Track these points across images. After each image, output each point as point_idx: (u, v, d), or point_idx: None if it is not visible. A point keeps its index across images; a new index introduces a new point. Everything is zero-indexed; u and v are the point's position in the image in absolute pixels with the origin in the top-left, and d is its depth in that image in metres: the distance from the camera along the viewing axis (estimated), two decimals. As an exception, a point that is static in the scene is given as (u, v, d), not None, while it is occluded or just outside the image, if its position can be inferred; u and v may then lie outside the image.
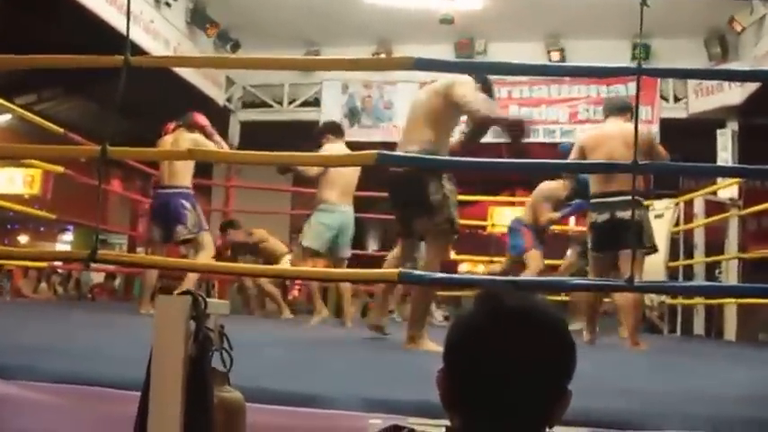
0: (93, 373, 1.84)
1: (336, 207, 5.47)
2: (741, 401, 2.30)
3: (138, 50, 6.05)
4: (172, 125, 5.41)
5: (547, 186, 6.05)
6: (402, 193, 3.47)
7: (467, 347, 0.99)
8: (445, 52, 7.94)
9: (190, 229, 5.27)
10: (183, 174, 5.19)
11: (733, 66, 7.32)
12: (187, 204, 5.27)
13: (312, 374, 2.39)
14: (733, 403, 2.23)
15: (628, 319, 4.65)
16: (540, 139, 8.11)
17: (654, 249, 4.59)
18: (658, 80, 7.92)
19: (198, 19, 7.90)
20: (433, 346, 3.08)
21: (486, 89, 3.59)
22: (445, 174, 3.41)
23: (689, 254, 7.62)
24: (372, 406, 1.74)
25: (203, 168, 7.69)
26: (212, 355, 1.20)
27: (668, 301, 7.34)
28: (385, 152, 2.29)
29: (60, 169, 6.16)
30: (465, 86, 3.40)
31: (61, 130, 5.59)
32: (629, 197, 3.98)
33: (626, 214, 4.21)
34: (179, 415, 1.07)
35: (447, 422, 1.02)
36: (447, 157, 3.09)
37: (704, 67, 6.85)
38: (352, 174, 5.46)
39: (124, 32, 2.58)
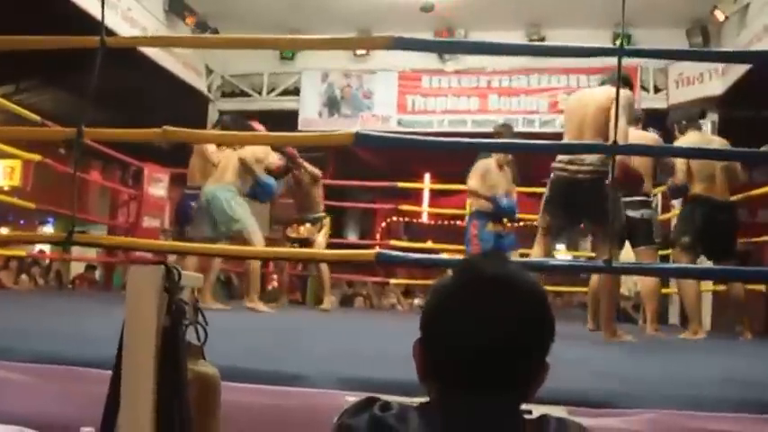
0: (70, 353, 1.84)
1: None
2: (711, 382, 2.33)
3: (115, 37, 5.99)
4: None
5: (481, 164, 5.81)
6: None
7: (444, 316, 0.97)
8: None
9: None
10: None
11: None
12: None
13: (290, 355, 2.39)
14: (707, 385, 2.26)
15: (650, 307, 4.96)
16: (519, 128, 8.12)
17: (664, 245, 4.78)
18: (639, 70, 7.96)
19: (176, 7, 7.82)
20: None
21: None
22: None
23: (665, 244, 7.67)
24: (349, 384, 1.75)
25: (184, 158, 7.62)
26: (186, 328, 1.18)
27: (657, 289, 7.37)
28: (362, 132, 2.29)
29: (38, 157, 6.09)
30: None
31: (38, 118, 5.52)
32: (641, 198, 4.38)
33: (636, 214, 4.47)
34: (151, 386, 1.06)
35: (421, 399, 1.00)
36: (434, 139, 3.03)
37: (683, 49, 6.87)
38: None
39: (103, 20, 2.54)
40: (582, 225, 4.21)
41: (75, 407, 1.49)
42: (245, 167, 5.03)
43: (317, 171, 6.33)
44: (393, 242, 9.19)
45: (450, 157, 7.72)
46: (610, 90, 3.64)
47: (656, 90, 8.26)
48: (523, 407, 0.99)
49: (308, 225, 6.32)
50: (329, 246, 6.34)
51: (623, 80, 3.89)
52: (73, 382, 1.66)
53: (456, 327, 0.95)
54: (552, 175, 3.98)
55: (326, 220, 6.42)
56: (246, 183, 5.16)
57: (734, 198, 6.18)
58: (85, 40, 2.45)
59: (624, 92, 3.60)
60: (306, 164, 6.17)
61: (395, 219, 12.57)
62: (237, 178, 5.07)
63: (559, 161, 3.90)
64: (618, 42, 6.04)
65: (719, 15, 7.40)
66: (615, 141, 2.37)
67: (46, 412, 1.56)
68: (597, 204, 3.63)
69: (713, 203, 4.76)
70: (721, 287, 6.74)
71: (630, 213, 4.49)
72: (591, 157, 3.73)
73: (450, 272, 1.01)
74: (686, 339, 4.54)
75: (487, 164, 5.80)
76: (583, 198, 3.79)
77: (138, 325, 1.08)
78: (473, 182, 5.78)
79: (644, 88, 8.20)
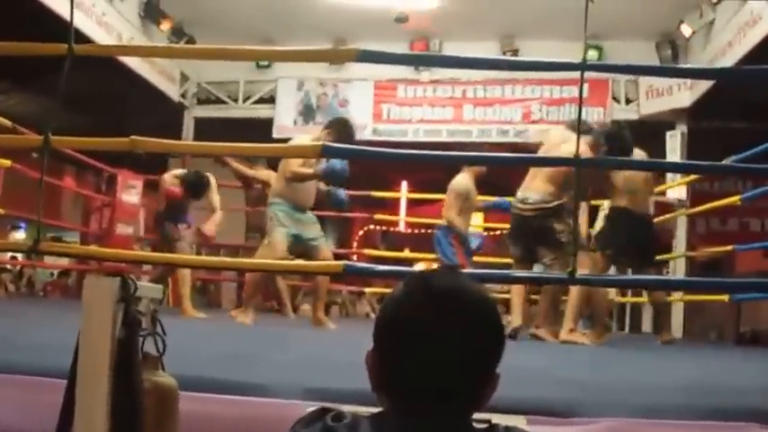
0: (31, 362, 1.81)
1: None
2: (677, 390, 2.36)
3: (90, 44, 5.94)
4: None
5: (456, 182, 5.71)
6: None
7: (394, 326, 0.98)
8: (400, 51, 7.94)
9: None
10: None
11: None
12: None
13: (257, 365, 2.38)
14: (669, 392, 2.30)
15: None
16: (494, 138, 8.21)
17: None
18: (610, 82, 8.08)
19: (151, 13, 7.78)
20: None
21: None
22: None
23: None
24: (314, 395, 1.75)
25: (158, 165, 7.57)
26: (144, 340, 1.18)
27: (617, 299, 7.47)
28: (329, 144, 2.29)
29: (7, 163, 6.01)
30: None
31: (9, 122, 5.45)
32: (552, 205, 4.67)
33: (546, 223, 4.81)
34: (105, 397, 1.06)
35: (376, 409, 1.02)
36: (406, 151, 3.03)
37: (647, 65, 6.99)
38: None
39: (76, 25, 2.52)
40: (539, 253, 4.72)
41: (34, 417, 1.47)
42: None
43: (262, 175, 6.10)
44: (369, 251, 9.19)
45: (428, 165, 7.76)
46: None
47: (628, 101, 8.38)
48: (482, 416, 1.01)
49: None
50: None
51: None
52: (32, 391, 1.64)
53: (403, 339, 0.96)
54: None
55: None
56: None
57: (702, 208, 6.29)
58: (54, 47, 2.43)
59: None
60: (244, 171, 6.03)
61: (372, 227, 12.56)
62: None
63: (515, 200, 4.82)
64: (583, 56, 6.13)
65: (686, 30, 7.55)
66: (577, 155, 2.40)
67: (3, 422, 1.54)
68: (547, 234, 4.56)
69: (635, 216, 4.92)
70: (692, 297, 6.86)
71: (539, 223, 4.70)
72: (535, 197, 4.65)
73: (401, 284, 1.03)
74: (585, 344, 4.49)
75: (467, 184, 5.65)
76: (533, 230, 4.68)
77: (93, 336, 1.08)
78: (452, 214, 5.66)
79: (615, 99, 8.32)
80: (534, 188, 4.69)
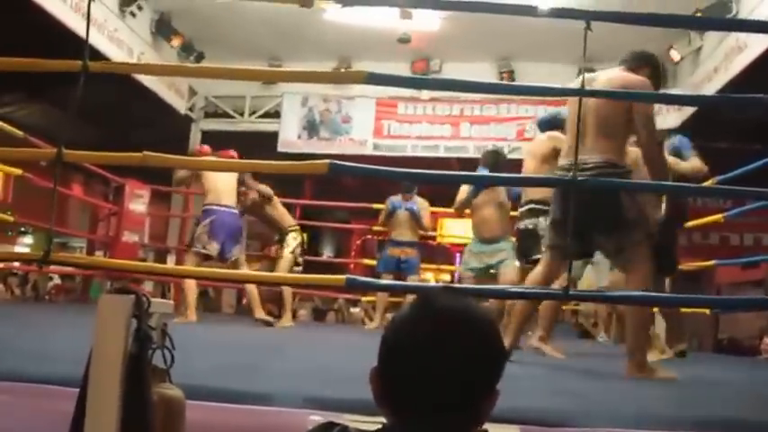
0: (41, 371, 1.80)
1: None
2: (666, 400, 2.36)
3: (101, 58, 5.95)
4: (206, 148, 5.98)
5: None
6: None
7: (398, 345, 0.98)
8: (402, 70, 8.00)
9: (241, 251, 5.65)
10: (234, 195, 5.65)
11: (671, 92, 7.55)
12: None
13: (257, 374, 2.37)
14: (658, 402, 2.29)
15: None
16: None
17: None
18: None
19: (163, 29, 7.80)
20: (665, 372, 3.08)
21: None
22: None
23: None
24: (314, 403, 1.74)
25: (163, 175, 7.57)
26: (153, 353, 1.18)
27: (605, 308, 7.45)
28: (337, 162, 2.29)
29: (18, 171, 6.00)
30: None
31: (21, 133, 5.45)
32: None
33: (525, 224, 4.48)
34: (116, 410, 1.05)
35: (382, 419, 1.02)
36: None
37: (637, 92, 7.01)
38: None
39: (87, 44, 2.52)
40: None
41: (42, 425, 1.46)
42: None
43: (265, 190, 6.01)
44: (366, 261, 9.18)
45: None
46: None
47: (618, 122, 8.38)
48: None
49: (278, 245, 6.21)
50: (305, 264, 6.26)
51: (647, 60, 3.56)
52: (43, 399, 1.63)
53: (408, 356, 0.96)
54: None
55: (292, 235, 6.05)
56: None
57: (690, 224, 6.29)
58: (69, 64, 2.43)
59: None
60: (252, 183, 5.95)
61: (369, 237, 12.56)
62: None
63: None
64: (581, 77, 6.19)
65: (675, 55, 7.63)
66: (575, 175, 2.39)
67: (13, 430, 1.53)
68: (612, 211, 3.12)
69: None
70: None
71: (520, 225, 4.49)
72: (596, 158, 3.15)
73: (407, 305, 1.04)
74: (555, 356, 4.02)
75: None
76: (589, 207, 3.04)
77: (106, 351, 1.08)
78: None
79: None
80: (594, 147, 3.17)
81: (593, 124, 3.19)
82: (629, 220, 3.10)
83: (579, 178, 2.67)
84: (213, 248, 5.39)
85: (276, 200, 6.11)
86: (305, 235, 6.38)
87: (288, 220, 6.20)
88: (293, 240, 6.02)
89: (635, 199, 3.16)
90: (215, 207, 5.51)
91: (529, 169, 4.65)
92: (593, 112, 3.17)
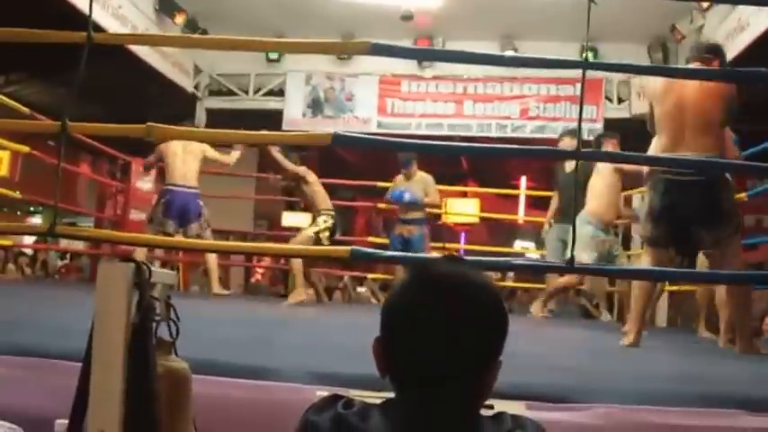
0: (49, 345, 1.79)
1: None
2: (668, 378, 2.35)
3: (105, 35, 5.88)
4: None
5: None
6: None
7: (398, 313, 0.96)
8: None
9: (202, 228, 5.74)
10: (197, 176, 5.86)
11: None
12: (202, 205, 5.88)
13: (264, 349, 2.36)
14: (661, 380, 2.28)
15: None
16: (493, 133, 8.21)
17: None
18: (603, 82, 8.06)
19: (166, 6, 7.71)
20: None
21: None
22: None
23: (626, 246, 7.73)
24: (321, 379, 1.72)
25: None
26: (158, 325, 1.15)
27: (606, 288, 7.43)
28: (339, 133, 2.26)
29: (26, 149, 5.98)
30: None
31: (27, 110, 5.41)
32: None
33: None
34: (120, 382, 1.03)
35: (388, 394, 0.99)
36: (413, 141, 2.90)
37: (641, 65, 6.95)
38: None
39: (92, 16, 2.49)
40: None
41: (52, 399, 1.44)
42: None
43: (297, 169, 5.89)
44: (371, 239, 9.17)
45: (429, 157, 7.74)
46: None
47: (620, 101, 8.36)
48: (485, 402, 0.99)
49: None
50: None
51: (716, 51, 3.48)
52: (50, 374, 1.61)
53: (406, 325, 0.94)
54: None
55: (323, 218, 5.81)
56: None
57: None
58: (73, 35, 2.39)
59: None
60: (284, 162, 5.80)
61: (375, 215, 12.57)
62: None
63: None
64: (584, 55, 6.17)
65: (678, 34, 7.54)
66: (579, 147, 2.35)
67: (22, 404, 1.51)
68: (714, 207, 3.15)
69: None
70: (675, 287, 6.84)
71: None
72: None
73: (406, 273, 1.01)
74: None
75: None
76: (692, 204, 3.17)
77: (108, 320, 1.05)
78: None
79: (608, 99, 8.31)
80: (695, 144, 3.18)
81: (692, 120, 3.23)
82: (726, 212, 3.17)
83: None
84: (169, 225, 5.74)
85: (314, 180, 5.98)
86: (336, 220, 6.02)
87: (322, 202, 5.94)
88: (322, 222, 5.80)
89: (730, 191, 3.24)
90: (170, 187, 5.86)
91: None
92: (691, 108, 3.23)
